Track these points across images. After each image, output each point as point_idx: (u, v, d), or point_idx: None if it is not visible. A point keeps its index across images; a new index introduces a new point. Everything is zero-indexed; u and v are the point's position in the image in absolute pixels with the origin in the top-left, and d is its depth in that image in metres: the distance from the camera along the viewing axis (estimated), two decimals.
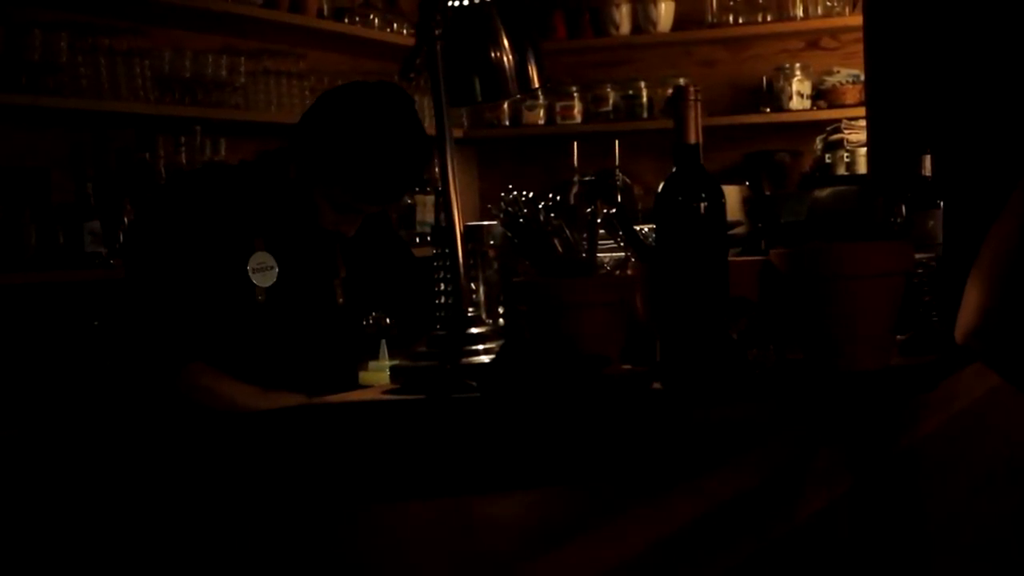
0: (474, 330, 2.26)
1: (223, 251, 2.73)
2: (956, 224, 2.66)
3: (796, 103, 5.86)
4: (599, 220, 2.17)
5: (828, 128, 5.68)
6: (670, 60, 6.21)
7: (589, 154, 3.68)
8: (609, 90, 6.19)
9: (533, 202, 2.16)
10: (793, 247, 2.13)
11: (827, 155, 5.63)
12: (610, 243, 2.28)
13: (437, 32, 2.30)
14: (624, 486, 1.38)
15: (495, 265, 2.42)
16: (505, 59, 2.45)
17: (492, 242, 2.42)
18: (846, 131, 5.59)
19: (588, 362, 1.85)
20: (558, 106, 6.22)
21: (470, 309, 2.29)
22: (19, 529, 1.32)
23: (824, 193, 3.51)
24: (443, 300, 2.31)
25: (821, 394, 1.96)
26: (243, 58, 4.90)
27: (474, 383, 1.96)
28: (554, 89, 6.13)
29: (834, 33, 5.96)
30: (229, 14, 4.73)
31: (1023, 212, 1.81)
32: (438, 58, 2.31)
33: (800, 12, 5.89)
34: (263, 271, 2.76)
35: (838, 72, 5.86)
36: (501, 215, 2.18)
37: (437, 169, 2.34)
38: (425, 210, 5.50)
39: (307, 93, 5.15)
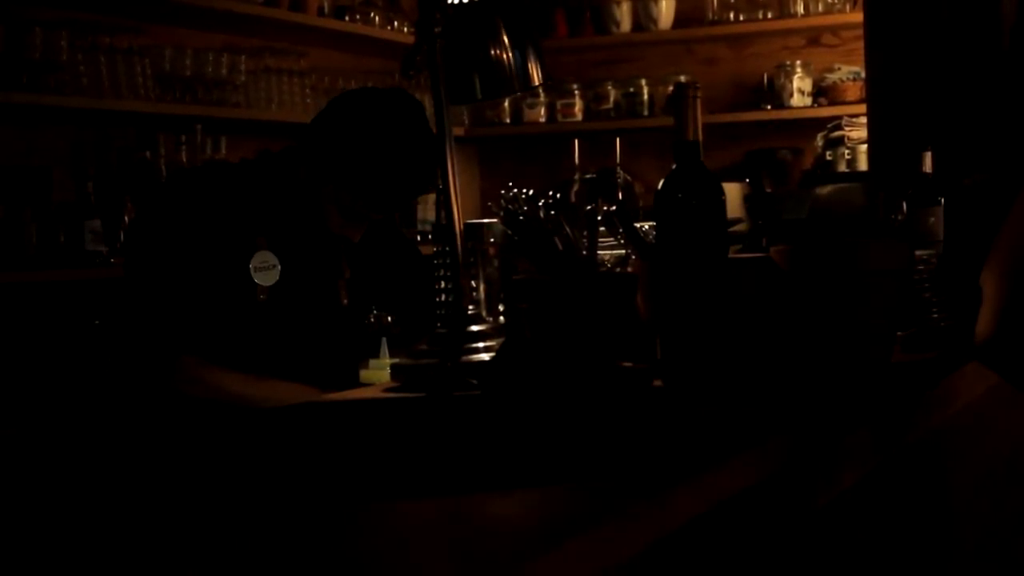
0: (474, 328, 2.26)
1: (224, 249, 2.73)
2: (957, 221, 2.66)
3: (797, 100, 5.86)
4: (599, 218, 2.16)
5: (829, 125, 5.68)
6: (671, 58, 6.21)
7: (590, 152, 3.68)
8: (610, 88, 6.19)
9: (533, 200, 2.16)
10: (794, 244, 2.12)
11: (828, 152, 5.63)
12: (611, 241, 2.28)
13: (437, 30, 2.30)
14: (624, 486, 1.38)
15: (495, 263, 2.41)
16: (506, 57, 2.44)
17: (492, 240, 2.41)
18: (847, 128, 5.58)
19: (588, 361, 1.85)
20: (559, 104, 6.22)
21: (470, 307, 2.29)
22: (19, 528, 1.32)
23: (825, 190, 3.51)
24: (443, 298, 2.31)
25: (825, 392, 1.96)
26: (244, 56, 4.90)
27: (475, 381, 1.96)
28: (555, 87, 6.13)
29: (835, 30, 5.96)
30: (230, 12, 4.73)
31: None
32: (438, 56, 2.30)
33: (801, 9, 5.90)
34: (265, 270, 2.76)
35: (839, 69, 5.86)
36: (501, 213, 2.18)
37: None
38: (426, 208, 5.49)
39: (308, 91, 5.15)
